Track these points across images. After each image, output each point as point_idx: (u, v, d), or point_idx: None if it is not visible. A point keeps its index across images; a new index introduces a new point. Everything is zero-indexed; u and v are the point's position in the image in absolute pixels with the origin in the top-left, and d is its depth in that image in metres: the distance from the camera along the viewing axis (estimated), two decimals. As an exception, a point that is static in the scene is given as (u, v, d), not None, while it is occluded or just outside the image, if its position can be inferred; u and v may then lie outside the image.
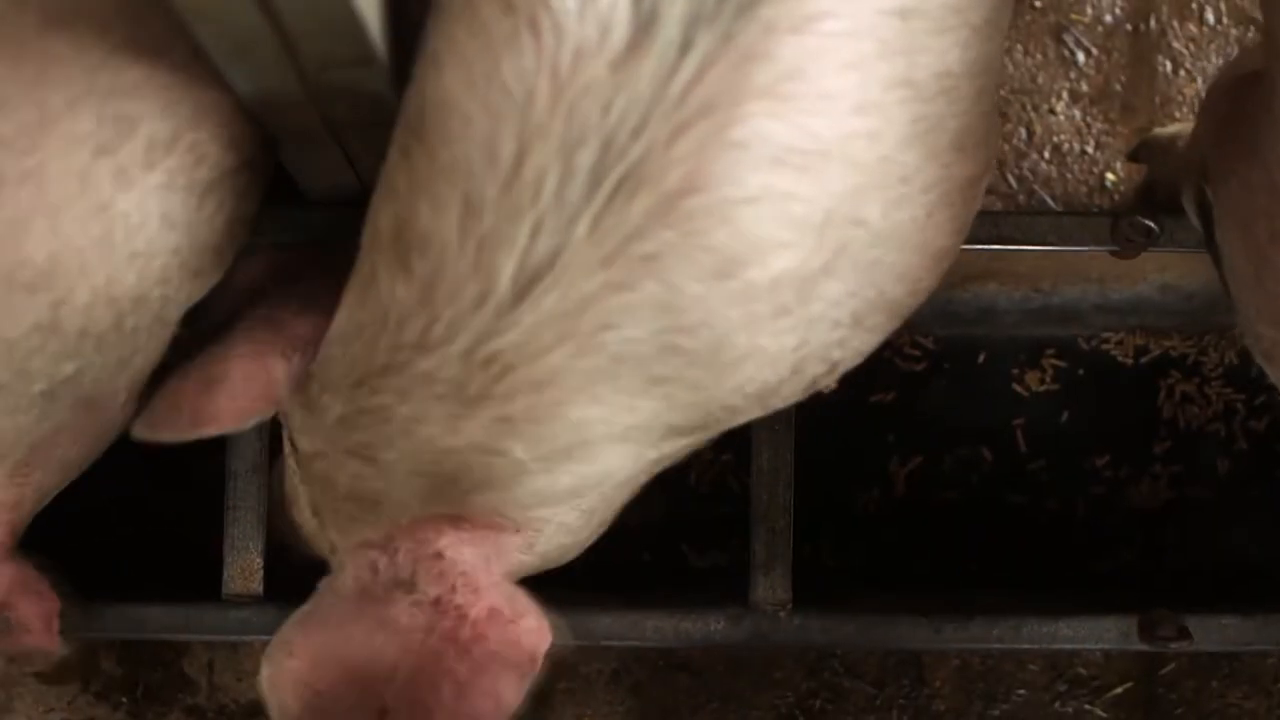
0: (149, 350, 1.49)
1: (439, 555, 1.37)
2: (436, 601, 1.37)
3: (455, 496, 1.34)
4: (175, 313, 1.46)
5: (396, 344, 1.26)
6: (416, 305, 1.24)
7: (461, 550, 1.37)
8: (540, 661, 1.38)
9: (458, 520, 1.36)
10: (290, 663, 1.41)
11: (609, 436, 1.28)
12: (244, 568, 1.71)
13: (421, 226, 1.22)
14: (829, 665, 1.99)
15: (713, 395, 1.26)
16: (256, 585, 1.72)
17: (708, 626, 1.72)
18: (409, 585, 1.38)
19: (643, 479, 1.42)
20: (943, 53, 1.20)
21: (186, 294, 1.45)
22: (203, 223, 1.42)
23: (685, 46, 1.13)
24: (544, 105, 1.15)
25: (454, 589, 1.37)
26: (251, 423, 1.45)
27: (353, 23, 1.34)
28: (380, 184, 1.29)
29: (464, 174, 1.19)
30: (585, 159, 1.15)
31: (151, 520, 1.84)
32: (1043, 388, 2.01)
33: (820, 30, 1.14)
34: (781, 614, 1.71)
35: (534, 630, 1.38)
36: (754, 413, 1.32)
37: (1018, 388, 2.01)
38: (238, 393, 1.44)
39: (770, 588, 1.71)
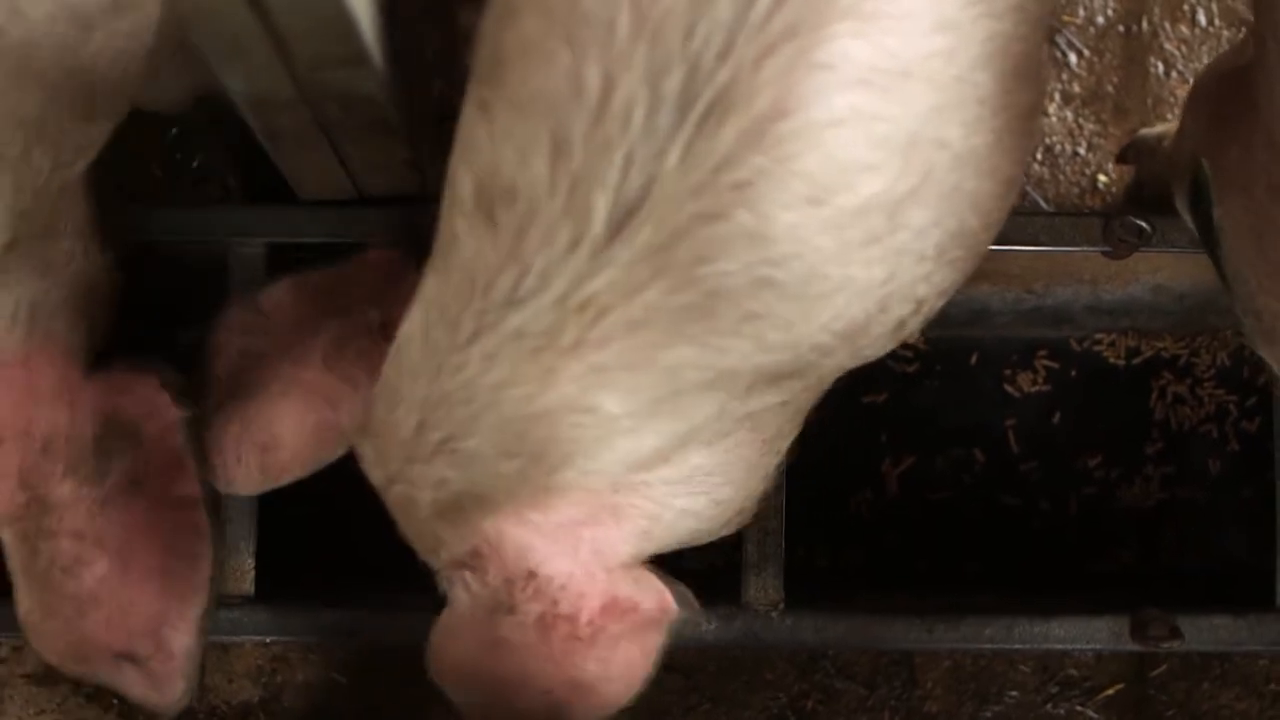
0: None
1: (532, 574, 1.37)
2: (541, 619, 1.38)
3: (543, 478, 1.32)
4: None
5: (484, 307, 1.24)
6: (506, 259, 1.22)
7: (556, 564, 1.37)
8: (666, 627, 1.42)
9: (545, 525, 1.36)
10: (444, 671, 1.47)
11: (699, 384, 1.26)
12: (236, 568, 1.71)
13: (507, 176, 1.20)
14: (821, 666, 1.99)
15: (802, 332, 1.24)
16: (248, 586, 1.71)
17: (699, 626, 1.72)
18: (508, 607, 1.38)
19: (764, 460, 1.42)
20: None
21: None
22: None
23: None
24: (627, 33, 1.13)
25: (555, 602, 1.38)
26: (322, 466, 1.51)
27: (345, 23, 1.35)
28: (457, 149, 1.27)
29: (550, 111, 1.17)
30: (672, 85, 1.14)
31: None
32: (1035, 389, 2.01)
33: None
34: (773, 614, 1.71)
35: (655, 608, 1.41)
36: (843, 356, 1.30)
37: (1010, 389, 2.01)
38: (296, 451, 1.51)
39: (762, 588, 1.71)
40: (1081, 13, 2.09)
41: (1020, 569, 1.99)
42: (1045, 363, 2.00)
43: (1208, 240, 1.38)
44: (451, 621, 1.43)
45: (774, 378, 1.30)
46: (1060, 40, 2.08)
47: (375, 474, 1.40)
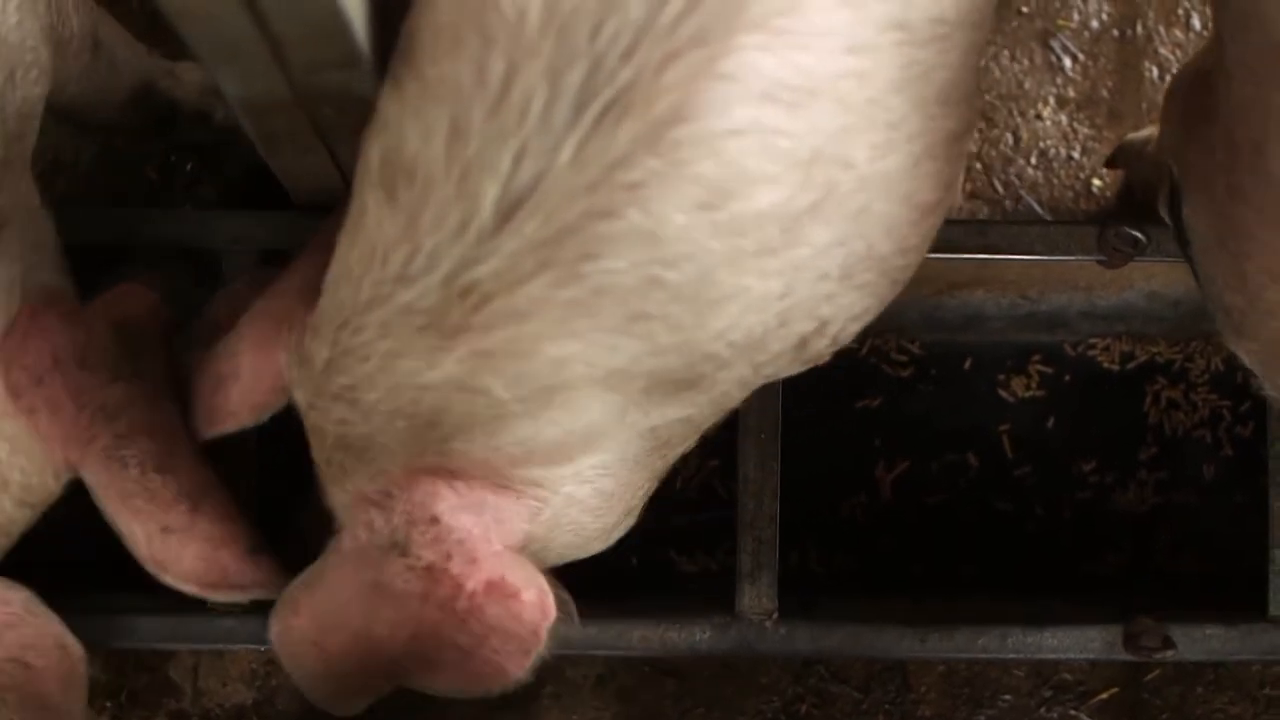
0: None
1: (435, 520, 1.36)
2: (430, 568, 1.36)
3: (437, 443, 1.32)
4: None
5: (381, 278, 1.25)
6: (401, 236, 1.23)
7: (459, 517, 1.36)
8: (543, 636, 1.38)
9: (455, 481, 1.35)
10: (295, 621, 1.43)
11: (590, 380, 1.26)
12: (230, 573, 1.70)
13: (409, 153, 1.21)
14: (815, 671, 1.99)
15: (695, 338, 1.24)
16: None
17: (694, 636, 1.72)
18: (403, 548, 1.37)
19: (651, 459, 1.41)
20: None
21: None
22: None
23: None
24: (536, 25, 1.14)
25: (449, 556, 1.36)
26: (266, 415, 1.46)
27: (339, 26, 1.34)
28: (372, 121, 1.28)
29: (453, 95, 1.18)
30: (572, 81, 1.14)
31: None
32: (1029, 394, 2.01)
33: None
34: (767, 623, 1.71)
35: (535, 605, 1.38)
36: (743, 370, 1.29)
37: (1004, 394, 2.01)
38: (249, 387, 1.46)
39: (756, 597, 1.71)
40: (1076, 17, 2.09)
41: (1014, 574, 1.99)
42: (1039, 368, 2.00)
43: (1181, 240, 1.38)
44: (324, 569, 1.42)
45: (671, 386, 1.29)
46: (1055, 45, 2.08)
47: (296, 395, 1.40)
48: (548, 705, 1.96)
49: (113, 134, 1.97)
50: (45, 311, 1.52)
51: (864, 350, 2.00)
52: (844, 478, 2.01)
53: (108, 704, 1.92)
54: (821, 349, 1.33)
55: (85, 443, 1.53)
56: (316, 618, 1.43)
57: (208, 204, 1.98)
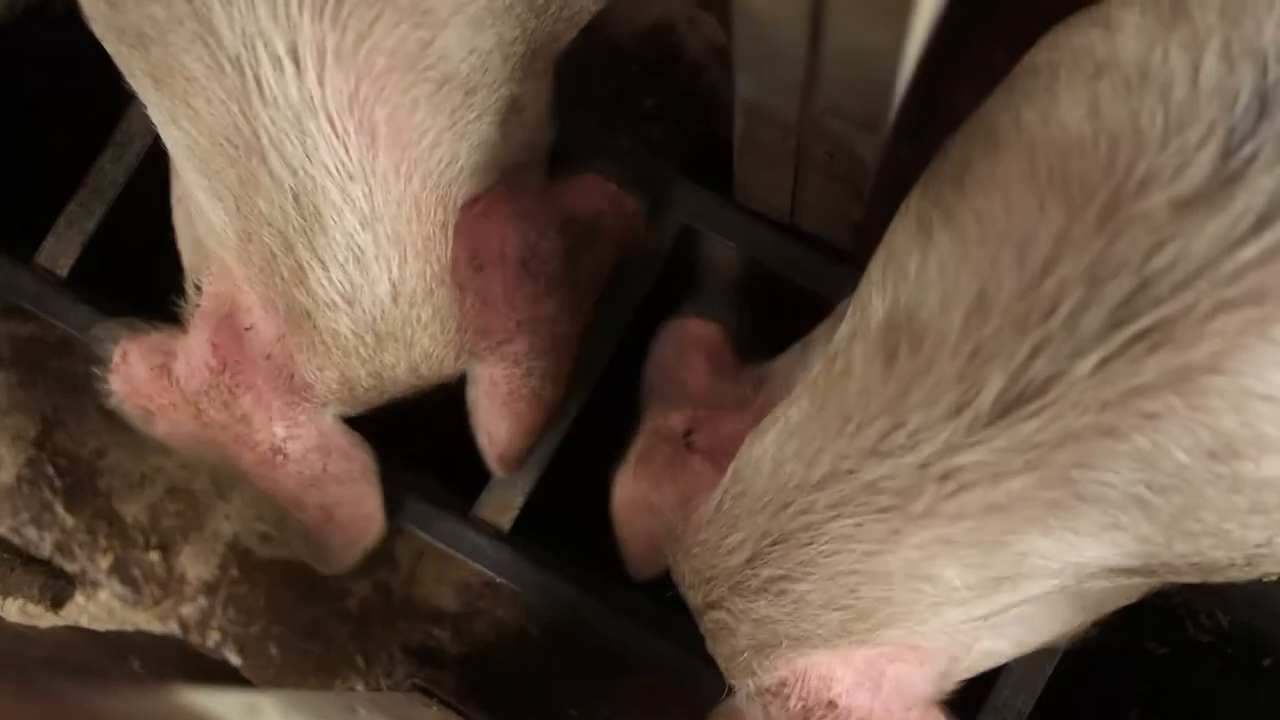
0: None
1: (832, 704, 1.34)
2: None
3: (864, 632, 1.29)
4: None
5: (846, 452, 1.21)
6: (885, 407, 1.18)
7: (857, 698, 1.33)
8: None
9: (852, 658, 1.32)
10: None
11: (1044, 571, 1.22)
12: (502, 501, 1.70)
13: (924, 318, 1.17)
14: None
15: (1158, 554, 1.20)
16: (506, 522, 1.70)
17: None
18: None
19: (1063, 609, 1.37)
20: None
21: None
22: None
23: (1263, 222, 1.06)
24: (1093, 219, 1.09)
25: None
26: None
27: (882, 93, 1.31)
28: (882, 262, 1.24)
29: (988, 267, 1.14)
30: (1113, 293, 1.09)
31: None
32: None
33: None
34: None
35: None
36: (1190, 578, 1.25)
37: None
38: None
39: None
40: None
41: None
42: None
43: None
44: None
45: (1116, 575, 1.25)
46: None
47: (693, 596, 1.38)
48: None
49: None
50: (508, 200, 1.49)
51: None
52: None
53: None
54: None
55: (500, 342, 1.53)
56: None
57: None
